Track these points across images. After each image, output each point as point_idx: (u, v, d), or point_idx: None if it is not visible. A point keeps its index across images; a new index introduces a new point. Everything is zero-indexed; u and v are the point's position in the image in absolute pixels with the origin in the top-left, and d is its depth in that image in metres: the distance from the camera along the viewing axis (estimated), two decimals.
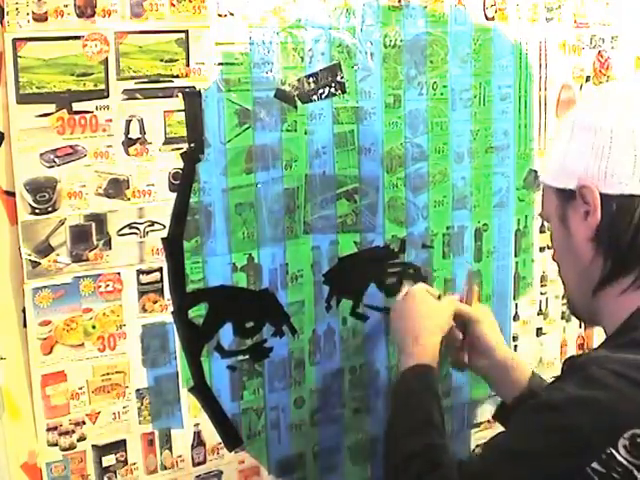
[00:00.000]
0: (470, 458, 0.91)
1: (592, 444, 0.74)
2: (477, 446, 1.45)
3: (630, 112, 0.85)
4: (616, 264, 0.86)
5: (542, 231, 1.45)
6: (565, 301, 1.50)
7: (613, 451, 0.72)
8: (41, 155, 1.00)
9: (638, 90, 0.91)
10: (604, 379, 0.76)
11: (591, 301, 0.90)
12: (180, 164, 1.09)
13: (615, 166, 0.84)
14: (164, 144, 1.07)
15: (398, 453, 0.96)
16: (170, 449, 1.15)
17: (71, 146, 1.02)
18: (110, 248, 1.06)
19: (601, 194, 0.84)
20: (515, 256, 1.43)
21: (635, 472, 0.72)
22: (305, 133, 1.18)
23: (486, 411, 1.44)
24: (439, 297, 1.20)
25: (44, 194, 1.01)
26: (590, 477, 0.73)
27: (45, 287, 1.02)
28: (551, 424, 0.78)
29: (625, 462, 0.72)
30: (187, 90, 1.08)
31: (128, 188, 1.06)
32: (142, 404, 1.12)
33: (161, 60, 1.05)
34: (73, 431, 1.08)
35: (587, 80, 1.45)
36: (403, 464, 0.92)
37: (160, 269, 1.10)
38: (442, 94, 1.29)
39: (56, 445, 1.07)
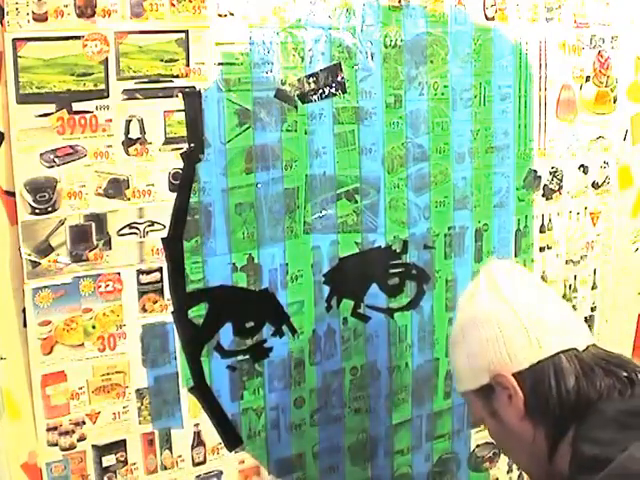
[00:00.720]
0: None
1: None
2: (477, 446, 1.45)
3: (499, 294, 0.93)
4: (557, 426, 0.88)
5: (542, 231, 1.45)
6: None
7: None
8: (41, 155, 1.00)
9: (497, 273, 0.97)
10: None
11: (551, 467, 0.90)
12: (180, 164, 1.09)
13: (513, 346, 0.90)
14: (164, 144, 1.07)
15: None
16: (170, 449, 1.15)
17: (71, 146, 1.02)
18: (110, 248, 1.06)
19: (514, 374, 0.89)
20: (515, 256, 1.43)
21: None
22: (305, 133, 1.18)
23: None
24: None
25: (44, 194, 1.01)
26: None
27: (45, 287, 1.02)
28: None
29: None
30: (187, 90, 1.08)
31: (128, 188, 1.06)
32: (142, 404, 1.12)
33: (161, 60, 1.05)
34: (73, 431, 1.08)
35: (587, 80, 1.45)
36: None
37: (160, 269, 1.10)
38: (443, 94, 1.29)
39: (56, 445, 1.07)
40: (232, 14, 1.09)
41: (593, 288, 1.56)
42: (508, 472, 1.51)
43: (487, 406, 0.94)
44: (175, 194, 1.09)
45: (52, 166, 1.01)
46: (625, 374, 0.88)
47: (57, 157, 1.01)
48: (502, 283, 0.95)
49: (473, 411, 0.99)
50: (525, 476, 1.53)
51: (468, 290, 1.01)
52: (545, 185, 1.44)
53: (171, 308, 1.12)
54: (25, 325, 1.02)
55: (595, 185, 1.51)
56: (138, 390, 1.11)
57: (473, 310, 0.96)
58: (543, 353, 0.89)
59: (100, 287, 1.06)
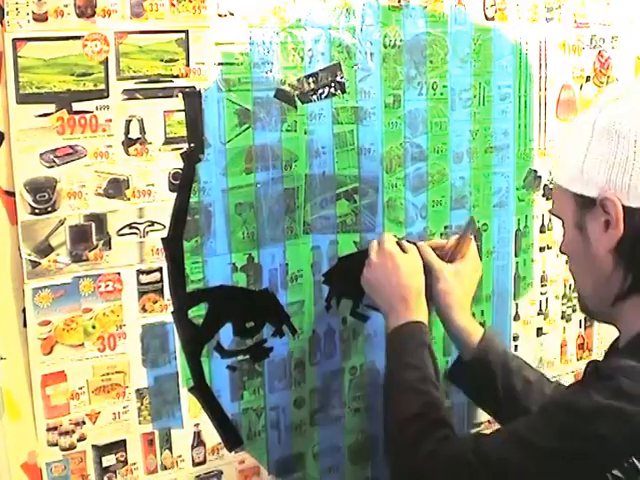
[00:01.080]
0: (484, 437, 0.90)
1: (615, 452, 0.75)
2: None
3: None
4: (638, 277, 0.84)
5: (542, 231, 1.46)
6: (565, 301, 1.51)
7: (636, 461, 0.74)
8: (41, 155, 1.00)
9: None
10: (632, 391, 0.76)
11: (609, 309, 0.88)
12: (180, 164, 1.09)
13: (639, 179, 0.81)
14: (164, 144, 1.08)
15: (398, 414, 0.96)
16: (170, 449, 1.15)
17: (71, 146, 1.02)
18: (110, 248, 1.06)
19: (624, 207, 0.81)
20: (515, 256, 1.43)
21: None
22: (305, 133, 1.18)
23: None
24: (400, 246, 1.16)
25: (44, 194, 1.01)
26: None
27: (45, 287, 1.02)
28: (574, 430, 0.78)
29: None
30: (187, 90, 1.08)
31: (128, 188, 1.06)
32: (142, 404, 1.12)
33: (161, 60, 1.05)
34: (73, 431, 1.08)
35: (587, 80, 1.45)
36: (406, 424, 0.93)
37: (160, 269, 1.10)
38: (442, 94, 1.29)
39: (56, 445, 1.07)
40: (232, 14, 1.09)
41: None
42: None
43: (578, 216, 0.86)
44: (175, 194, 1.09)
45: (52, 166, 1.01)
46: None
47: (57, 157, 1.01)
48: None
49: (559, 205, 0.91)
50: None
51: (621, 90, 0.89)
52: (545, 185, 1.44)
53: (171, 308, 1.12)
54: (25, 325, 1.02)
55: None
56: (138, 390, 1.11)
57: (619, 114, 0.83)
58: None
59: (100, 287, 1.07)
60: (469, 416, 1.43)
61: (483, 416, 1.45)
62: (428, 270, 1.16)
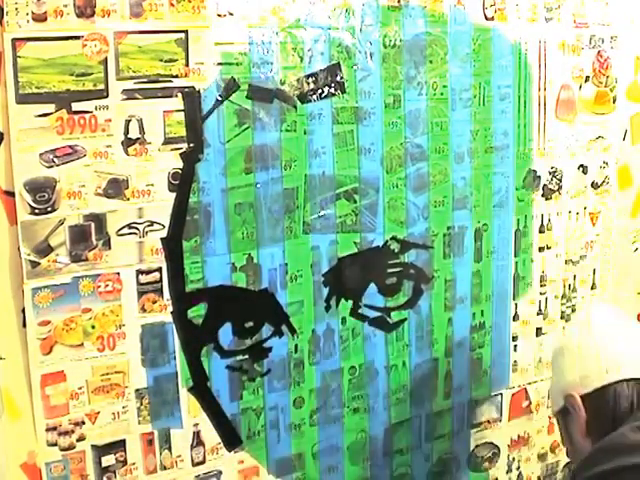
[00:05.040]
0: None
1: None
2: (477, 446, 1.45)
3: (588, 324, 1.05)
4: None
5: (541, 231, 1.46)
6: (564, 301, 1.51)
7: None
8: (40, 155, 1.00)
9: (593, 309, 1.11)
10: None
11: None
12: (179, 164, 1.09)
13: (585, 369, 1.01)
14: (163, 144, 1.07)
15: None
16: (169, 449, 1.15)
17: (70, 146, 1.02)
18: (109, 248, 1.06)
19: (582, 396, 1.00)
20: (515, 256, 1.43)
21: None
22: (305, 133, 1.18)
23: (486, 411, 1.45)
24: None
25: (43, 194, 1.01)
26: None
27: (44, 287, 1.02)
28: None
29: None
30: (186, 90, 1.08)
31: (127, 188, 1.06)
32: (141, 404, 1.12)
33: (160, 60, 1.05)
34: (72, 431, 1.08)
35: (586, 80, 1.45)
36: None
37: (159, 269, 1.10)
38: (442, 94, 1.29)
39: (55, 445, 1.07)
40: (231, 14, 1.09)
41: (592, 288, 1.56)
42: (507, 472, 1.51)
43: (566, 426, 1.05)
44: (174, 194, 1.09)
45: (52, 166, 1.01)
46: None
47: (56, 157, 1.01)
48: (594, 316, 1.07)
49: (561, 433, 1.10)
50: (525, 475, 1.53)
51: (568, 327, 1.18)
52: (544, 185, 1.44)
53: (170, 308, 1.12)
54: (24, 325, 1.02)
55: (594, 185, 1.51)
56: (137, 390, 1.11)
57: (564, 341, 1.09)
58: (607, 379, 0.99)
59: (99, 287, 1.07)
60: (469, 416, 1.43)
61: (483, 416, 1.45)
62: None
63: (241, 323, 1.18)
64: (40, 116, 0.99)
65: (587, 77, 1.45)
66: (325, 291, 1.24)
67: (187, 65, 1.07)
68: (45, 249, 1.02)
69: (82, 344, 1.06)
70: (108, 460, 1.11)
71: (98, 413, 1.09)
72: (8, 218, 1.00)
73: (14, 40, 0.96)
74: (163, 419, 1.14)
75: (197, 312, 1.14)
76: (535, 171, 1.42)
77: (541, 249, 1.46)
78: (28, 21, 0.96)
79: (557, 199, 1.46)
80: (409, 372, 1.35)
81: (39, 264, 1.02)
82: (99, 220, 1.05)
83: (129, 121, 1.05)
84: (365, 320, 1.29)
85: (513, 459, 1.51)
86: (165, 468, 1.15)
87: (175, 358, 1.13)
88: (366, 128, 1.23)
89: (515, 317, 1.46)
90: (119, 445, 1.11)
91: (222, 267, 1.15)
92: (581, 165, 1.48)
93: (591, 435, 0.99)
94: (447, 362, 1.38)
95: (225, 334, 1.17)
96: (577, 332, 1.07)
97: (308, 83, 1.17)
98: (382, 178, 1.26)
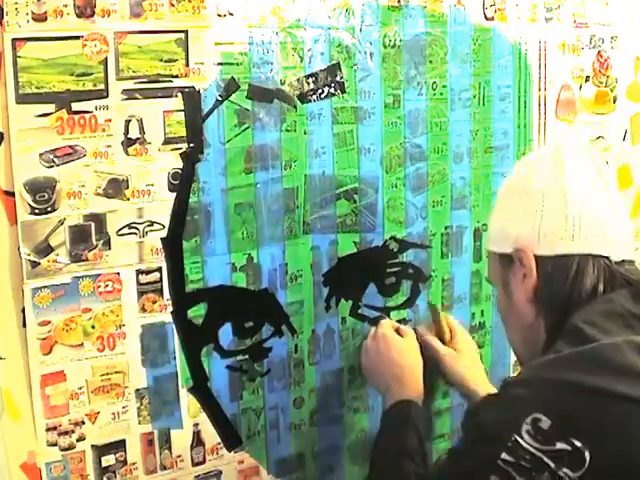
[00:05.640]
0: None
1: (499, 435, 0.75)
2: None
3: (560, 174, 0.89)
4: (558, 323, 0.85)
5: None
6: None
7: (517, 438, 0.73)
8: (40, 155, 1.00)
9: (567, 153, 0.92)
10: (516, 385, 0.79)
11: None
12: (179, 164, 1.09)
13: (548, 227, 0.88)
14: (163, 144, 1.07)
15: None
16: (169, 449, 1.15)
17: (70, 146, 1.02)
18: (109, 248, 1.06)
19: (536, 256, 0.87)
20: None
21: (545, 459, 0.72)
22: (305, 133, 1.18)
23: None
24: (398, 330, 1.23)
25: (43, 194, 1.01)
26: (504, 470, 0.73)
27: (44, 287, 1.02)
28: (469, 426, 0.87)
29: (531, 448, 0.72)
30: (186, 90, 1.08)
31: (127, 188, 1.06)
32: (141, 404, 1.12)
33: (160, 60, 1.05)
34: (72, 431, 1.08)
35: (587, 80, 1.45)
36: None
37: (159, 269, 1.10)
38: (442, 94, 1.29)
39: (55, 445, 1.07)
40: (232, 14, 1.09)
41: None
42: None
43: (502, 274, 0.93)
44: (174, 194, 1.09)
45: (51, 166, 1.01)
46: None
47: (56, 157, 1.01)
48: (568, 165, 0.90)
49: (490, 270, 0.99)
50: None
51: (532, 156, 0.99)
52: None
53: (170, 308, 1.12)
54: (24, 325, 1.02)
55: None
56: (137, 390, 1.11)
57: (527, 178, 0.92)
58: (573, 248, 0.86)
59: (99, 287, 1.07)
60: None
61: None
62: (433, 355, 1.22)
63: (241, 323, 1.18)
64: (40, 116, 0.99)
65: (587, 77, 1.45)
66: (325, 291, 1.25)
67: (187, 65, 1.07)
68: (45, 249, 1.02)
69: (82, 344, 1.06)
70: (108, 460, 1.11)
71: (98, 413, 1.09)
72: (8, 218, 1.00)
73: (14, 40, 0.96)
74: (163, 419, 1.14)
75: (197, 312, 1.14)
76: None
77: None
78: (28, 21, 0.96)
79: None
80: None
81: (39, 264, 1.02)
82: (99, 220, 1.05)
83: (129, 121, 1.04)
84: (365, 320, 1.29)
85: None
86: (165, 468, 1.16)
87: (175, 358, 1.13)
88: (366, 128, 1.23)
89: None
90: (119, 445, 1.11)
91: (222, 267, 1.15)
92: None
93: (537, 304, 0.88)
94: None
95: (225, 334, 1.17)
96: (545, 177, 0.90)
97: (308, 83, 1.17)
98: (382, 178, 1.26)
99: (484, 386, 1.18)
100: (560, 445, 0.71)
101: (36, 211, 1.00)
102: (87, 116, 1.02)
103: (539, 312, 0.89)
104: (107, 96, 1.03)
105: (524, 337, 0.93)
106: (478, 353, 1.28)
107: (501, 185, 1.00)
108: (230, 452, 1.21)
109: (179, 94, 1.07)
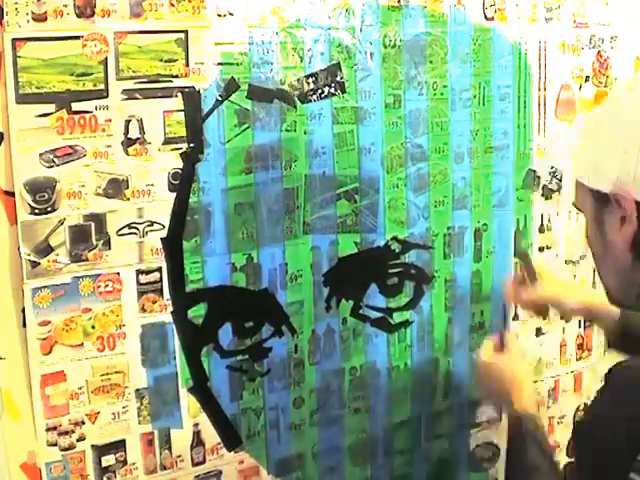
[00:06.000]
0: None
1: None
2: (477, 446, 1.45)
3: None
4: None
5: (541, 231, 1.45)
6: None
7: None
8: (40, 155, 1.00)
9: None
10: None
11: (637, 303, 0.87)
12: (179, 164, 1.09)
13: None
14: (163, 144, 1.07)
15: None
16: (169, 449, 1.15)
17: (70, 146, 1.02)
18: (109, 248, 1.06)
19: (637, 202, 0.79)
20: (514, 256, 1.43)
21: None
22: (305, 133, 1.18)
23: (486, 411, 1.44)
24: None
25: (43, 194, 1.01)
26: None
27: (44, 287, 1.02)
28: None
29: None
30: (186, 90, 1.08)
31: (127, 188, 1.06)
32: (141, 404, 1.12)
33: (160, 60, 1.05)
34: (72, 431, 1.08)
35: (586, 80, 1.45)
36: None
37: (159, 269, 1.10)
38: (442, 94, 1.29)
39: (55, 445, 1.07)
40: (231, 14, 1.09)
41: (593, 288, 1.55)
42: None
43: (596, 211, 0.85)
44: (174, 194, 1.09)
45: (52, 166, 1.01)
46: None
47: (56, 157, 1.01)
48: None
49: (580, 199, 0.90)
50: None
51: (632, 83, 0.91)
52: (544, 185, 1.44)
53: (170, 308, 1.12)
54: (24, 325, 1.02)
55: None
56: (137, 390, 1.11)
57: (629, 108, 0.82)
58: None
59: (99, 287, 1.07)
60: (469, 416, 1.43)
61: (483, 416, 1.45)
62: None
63: (241, 323, 1.18)
64: (40, 116, 0.99)
65: (587, 77, 1.45)
66: (325, 291, 1.24)
67: (187, 65, 1.07)
68: (45, 249, 1.02)
69: (82, 344, 1.06)
70: (108, 460, 1.11)
71: (98, 413, 1.09)
72: (8, 218, 1.00)
73: (14, 40, 0.96)
74: (163, 419, 1.14)
75: (197, 312, 1.14)
76: (535, 171, 1.42)
77: (541, 249, 1.46)
78: (28, 21, 0.96)
79: (557, 199, 1.46)
80: (410, 373, 1.34)
81: (39, 264, 1.02)
82: (99, 220, 1.05)
83: (129, 121, 1.05)
84: (367, 321, 1.29)
85: None
86: (165, 468, 1.16)
87: (175, 358, 1.13)
88: (366, 128, 1.23)
89: (515, 317, 1.46)
90: (119, 445, 1.12)
91: (222, 267, 1.15)
92: None
93: (636, 251, 0.81)
94: (447, 362, 1.38)
95: (225, 334, 1.17)
96: None
97: (308, 83, 1.17)
98: (382, 178, 1.26)
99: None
100: None
101: (36, 211, 1.00)
102: (87, 116, 1.02)
103: (637, 259, 0.82)
104: (107, 96, 1.03)
105: (619, 280, 0.88)
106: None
107: (597, 113, 0.92)
108: (230, 452, 1.21)
109: (179, 94, 1.07)
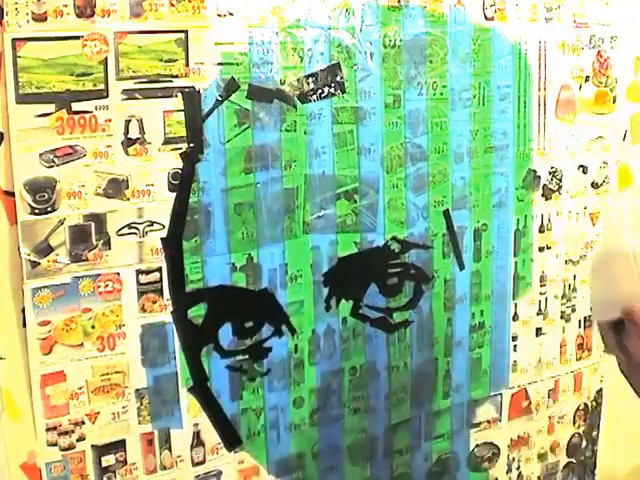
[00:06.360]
0: None
1: None
2: (477, 446, 1.45)
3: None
4: None
5: (541, 231, 1.46)
6: (564, 301, 1.51)
7: None
8: (40, 155, 1.00)
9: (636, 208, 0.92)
10: None
11: None
12: (179, 164, 1.09)
13: None
14: (163, 144, 1.08)
15: None
16: (169, 449, 1.15)
17: (70, 146, 1.02)
18: (109, 248, 1.06)
19: None
20: (514, 256, 1.43)
21: None
22: (305, 133, 1.18)
23: (486, 411, 1.45)
24: None
25: (43, 194, 1.01)
26: None
27: (44, 287, 1.02)
28: None
29: None
30: (186, 90, 1.08)
31: (127, 188, 1.06)
32: (141, 404, 1.12)
33: (160, 60, 1.05)
34: (72, 431, 1.08)
35: (586, 80, 1.45)
36: None
37: (159, 269, 1.10)
38: (442, 94, 1.29)
39: (55, 445, 1.07)
40: (231, 14, 1.10)
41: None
42: (507, 472, 1.51)
43: (617, 341, 0.90)
44: (174, 194, 1.09)
45: (51, 166, 1.01)
46: None
47: (56, 157, 1.01)
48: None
49: (606, 342, 0.95)
50: (525, 475, 1.53)
51: (610, 223, 1.01)
52: (544, 185, 1.44)
53: (170, 308, 1.12)
54: (24, 325, 1.02)
55: (594, 185, 1.51)
56: (137, 390, 1.11)
57: (613, 244, 0.93)
58: None
59: (99, 287, 1.07)
60: (469, 416, 1.43)
61: (483, 416, 1.45)
62: None
63: (241, 323, 1.18)
64: (40, 116, 0.99)
65: (587, 77, 1.45)
66: (325, 291, 1.25)
67: (187, 65, 1.07)
68: (45, 249, 1.02)
69: (82, 344, 1.06)
70: (108, 460, 1.11)
71: (98, 413, 1.09)
72: (8, 218, 1.00)
73: (14, 40, 0.96)
74: (163, 419, 1.14)
75: (197, 312, 1.14)
76: (535, 171, 1.42)
77: (541, 249, 1.46)
78: (28, 21, 0.96)
79: (557, 199, 1.46)
80: (410, 373, 1.35)
81: (39, 264, 1.02)
82: (99, 220, 1.05)
83: (129, 121, 1.05)
84: (366, 321, 1.29)
85: (513, 459, 1.51)
86: (165, 468, 1.16)
87: (175, 358, 1.13)
88: (366, 128, 1.23)
89: (515, 317, 1.46)
90: (119, 445, 1.12)
91: (222, 267, 1.15)
92: (581, 165, 1.48)
93: None
94: (447, 362, 1.38)
95: (225, 334, 1.17)
96: (628, 236, 0.90)
97: (308, 83, 1.17)
98: (382, 178, 1.26)
99: None
100: None
101: (36, 211, 1.00)
102: (87, 116, 1.02)
103: None
104: (107, 96, 1.03)
105: None
106: None
107: (593, 258, 1.01)
108: (230, 452, 1.21)
109: (179, 94, 1.07)
